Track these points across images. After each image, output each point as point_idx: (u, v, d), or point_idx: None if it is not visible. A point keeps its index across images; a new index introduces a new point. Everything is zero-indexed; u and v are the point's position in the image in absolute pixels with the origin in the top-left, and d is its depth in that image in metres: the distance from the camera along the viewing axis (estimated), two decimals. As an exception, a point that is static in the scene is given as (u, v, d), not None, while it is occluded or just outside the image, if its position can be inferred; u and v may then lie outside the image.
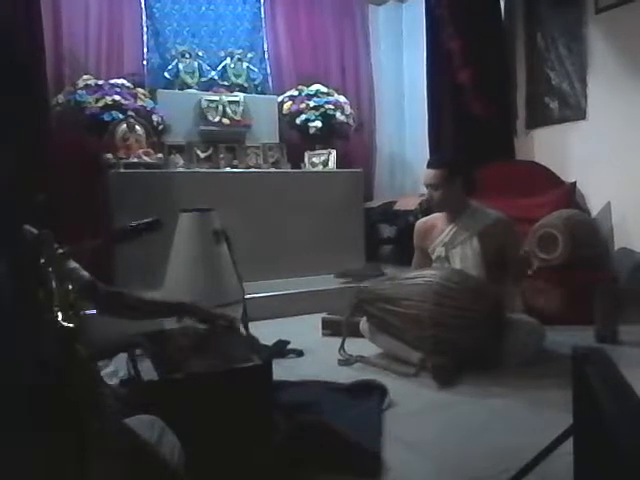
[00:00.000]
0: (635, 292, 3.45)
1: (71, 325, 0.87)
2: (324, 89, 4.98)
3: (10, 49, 3.43)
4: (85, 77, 4.24)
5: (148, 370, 1.49)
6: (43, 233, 1.11)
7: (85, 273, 1.71)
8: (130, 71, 4.58)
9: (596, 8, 3.99)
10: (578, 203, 4.00)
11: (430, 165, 2.86)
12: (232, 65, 4.88)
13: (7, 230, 1.02)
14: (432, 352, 2.44)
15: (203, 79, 4.80)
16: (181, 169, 4.30)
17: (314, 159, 4.82)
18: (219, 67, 4.88)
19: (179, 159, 4.39)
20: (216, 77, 4.85)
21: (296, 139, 4.97)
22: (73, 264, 1.71)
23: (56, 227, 1.44)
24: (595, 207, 4.02)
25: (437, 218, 2.93)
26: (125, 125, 4.10)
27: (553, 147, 4.34)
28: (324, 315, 3.29)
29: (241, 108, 4.65)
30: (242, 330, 1.88)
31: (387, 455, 1.73)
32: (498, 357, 2.48)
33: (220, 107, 4.57)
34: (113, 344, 2.09)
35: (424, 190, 2.93)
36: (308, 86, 4.97)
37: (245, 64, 4.93)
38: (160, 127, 4.39)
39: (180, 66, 4.70)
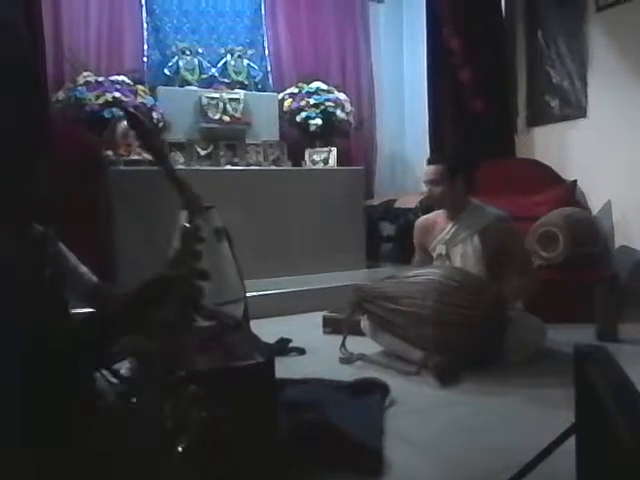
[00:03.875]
0: (636, 290, 3.45)
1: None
2: (324, 86, 4.97)
3: (10, 46, 3.42)
4: (85, 74, 4.23)
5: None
6: (48, 230, 1.12)
7: (92, 278, 1.72)
8: (130, 68, 4.58)
9: (597, 6, 3.98)
10: (579, 201, 3.99)
11: (431, 161, 2.86)
12: (232, 62, 4.88)
13: (15, 227, 1.03)
14: (433, 350, 2.44)
15: (203, 76, 4.80)
16: (181, 167, 4.29)
17: (314, 157, 4.82)
18: (219, 64, 4.88)
19: (179, 156, 4.39)
20: (216, 74, 4.85)
21: (296, 137, 4.97)
22: (82, 268, 1.72)
23: (57, 225, 1.45)
24: (596, 205, 4.02)
25: (438, 216, 2.93)
26: (125, 122, 4.08)
27: (554, 145, 4.34)
28: (325, 313, 3.29)
29: (241, 105, 4.64)
30: (251, 330, 1.88)
31: (389, 453, 1.72)
32: (499, 355, 2.48)
33: (220, 104, 4.57)
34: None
35: (425, 188, 2.92)
36: (308, 83, 4.96)
37: (245, 61, 4.93)
38: (160, 124, 4.39)
39: (180, 63, 4.70)
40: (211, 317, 1.74)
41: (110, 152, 3.99)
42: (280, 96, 4.97)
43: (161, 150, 1.42)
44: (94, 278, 1.75)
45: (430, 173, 2.81)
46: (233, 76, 4.87)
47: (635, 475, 0.77)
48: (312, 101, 4.82)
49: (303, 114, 4.80)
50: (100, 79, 4.22)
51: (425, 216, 3.07)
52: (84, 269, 1.74)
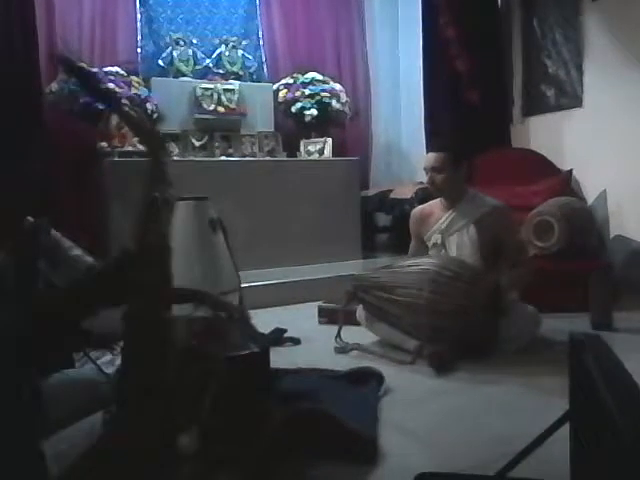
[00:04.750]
0: (630, 279, 3.46)
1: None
2: (319, 77, 4.95)
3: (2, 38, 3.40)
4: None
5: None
6: (41, 220, 1.11)
7: (89, 259, 1.73)
8: (124, 59, 4.56)
9: (593, -5, 3.98)
10: (574, 191, 4.00)
11: (435, 148, 2.84)
12: (227, 53, 4.86)
13: (8, 219, 1.03)
14: (428, 339, 2.45)
15: (198, 67, 4.78)
16: (176, 158, 4.28)
17: (310, 147, 4.80)
18: (214, 55, 4.86)
19: (174, 147, 4.37)
20: (211, 65, 4.83)
21: (292, 127, 4.96)
22: (77, 251, 1.73)
23: (53, 215, 1.45)
24: (591, 195, 4.02)
25: (434, 205, 2.92)
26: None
27: (549, 135, 4.33)
28: (320, 303, 3.29)
29: (236, 96, 4.63)
30: (252, 321, 1.87)
31: (384, 442, 1.73)
32: (494, 344, 2.49)
33: (215, 95, 4.55)
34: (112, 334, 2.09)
35: (420, 178, 2.91)
36: (303, 74, 4.94)
37: (240, 52, 4.91)
38: (155, 115, 4.37)
39: (174, 54, 4.68)
40: (214, 307, 1.73)
41: (104, 143, 3.98)
42: (275, 87, 4.95)
43: (106, 91, 1.40)
44: (89, 258, 1.77)
45: (433, 160, 2.78)
46: (228, 67, 4.85)
47: (629, 462, 0.77)
48: (307, 92, 4.80)
49: (298, 105, 4.79)
50: (94, 70, 4.19)
51: (421, 206, 3.06)
52: (78, 251, 1.76)
